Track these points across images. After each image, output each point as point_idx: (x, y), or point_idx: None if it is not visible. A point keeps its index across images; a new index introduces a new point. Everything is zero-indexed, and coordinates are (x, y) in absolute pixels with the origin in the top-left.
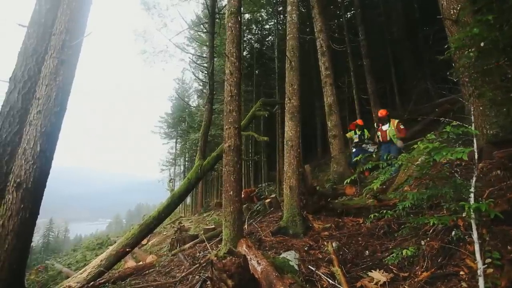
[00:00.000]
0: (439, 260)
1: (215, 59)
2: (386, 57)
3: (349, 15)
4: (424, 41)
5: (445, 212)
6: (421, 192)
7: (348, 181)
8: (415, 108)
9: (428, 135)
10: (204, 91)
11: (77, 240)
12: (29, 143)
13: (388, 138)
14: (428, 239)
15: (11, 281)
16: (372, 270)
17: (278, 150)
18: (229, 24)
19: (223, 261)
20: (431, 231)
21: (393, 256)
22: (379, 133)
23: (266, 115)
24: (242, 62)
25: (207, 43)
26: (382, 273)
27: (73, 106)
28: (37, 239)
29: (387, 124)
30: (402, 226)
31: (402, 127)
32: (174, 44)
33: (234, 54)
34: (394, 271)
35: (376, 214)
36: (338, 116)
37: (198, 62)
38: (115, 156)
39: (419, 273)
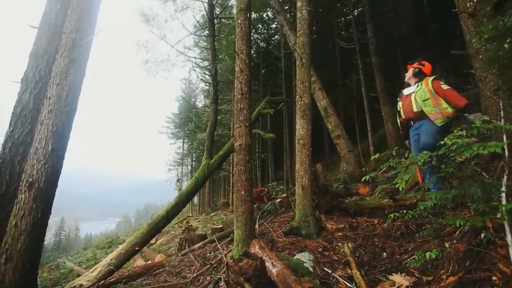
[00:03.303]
0: (466, 264)
1: (219, 56)
2: (395, 55)
3: (356, 13)
4: (434, 37)
5: (472, 212)
6: (446, 191)
7: (367, 179)
8: None
9: (455, 131)
10: (211, 90)
11: (87, 239)
12: (41, 142)
13: (415, 111)
14: (454, 241)
15: (24, 281)
16: (393, 273)
17: (285, 150)
18: (239, 21)
19: (240, 263)
20: (457, 232)
21: (414, 259)
22: (400, 104)
23: (272, 113)
24: None
25: (209, 46)
26: (404, 276)
27: (80, 106)
28: (49, 238)
29: (415, 85)
30: (423, 227)
31: (445, 86)
32: (177, 50)
33: (244, 51)
34: (416, 275)
35: (397, 214)
36: (337, 117)
37: (202, 65)
38: (123, 156)
39: (445, 277)
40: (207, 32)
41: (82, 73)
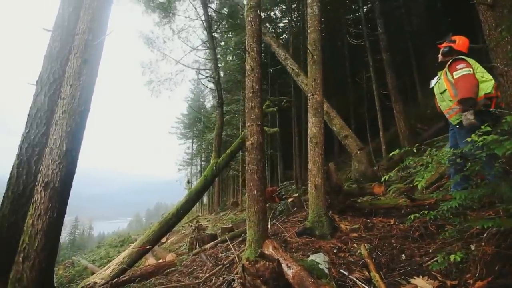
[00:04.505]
0: (496, 268)
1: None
2: (406, 51)
3: (365, 9)
4: (447, 32)
5: (501, 213)
6: (471, 191)
7: (386, 179)
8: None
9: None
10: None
11: (100, 238)
12: (56, 142)
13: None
14: (482, 243)
15: (41, 279)
16: (414, 277)
17: (294, 149)
18: (249, 19)
19: (256, 265)
20: (485, 234)
21: (437, 261)
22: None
23: (275, 110)
24: None
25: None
26: (427, 280)
27: (93, 107)
28: (64, 236)
29: (438, 75)
30: (445, 229)
31: (462, 71)
32: (182, 64)
33: (255, 49)
34: (440, 278)
35: (417, 215)
36: (340, 118)
37: (205, 73)
38: (134, 157)
39: (471, 281)
40: (207, 45)
41: (95, 74)
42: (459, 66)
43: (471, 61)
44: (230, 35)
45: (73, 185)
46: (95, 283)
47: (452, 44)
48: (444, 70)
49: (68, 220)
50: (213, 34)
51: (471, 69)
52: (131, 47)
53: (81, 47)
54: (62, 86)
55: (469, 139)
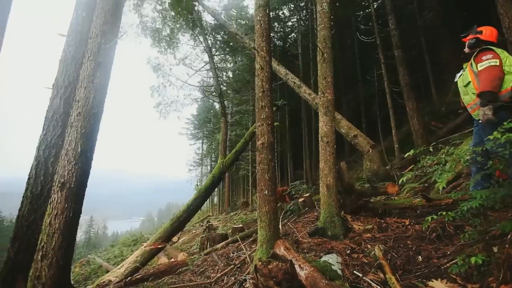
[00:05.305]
0: None
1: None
2: (419, 46)
3: (376, 5)
4: (462, 25)
5: None
6: (493, 190)
7: (404, 180)
8: (454, 99)
9: (505, 123)
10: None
11: (114, 237)
12: (71, 144)
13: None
14: (506, 245)
15: (59, 277)
16: (432, 279)
17: (304, 149)
18: (258, 18)
19: (269, 266)
20: (509, 236)
21: (457, 264)
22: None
23: (274, 109)
24: None
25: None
26: (446, 283)
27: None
28: (80, 235)
29: (463, 67)
30: (464, 230)
31: (487, 63)
32: (188, 84)
33: (264, 48)
34: (459, 282)
35: (434, 216)
36: (346, 120)
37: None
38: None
39: (495, 285)
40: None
41: (108, 76)
42: (485, 57)
43: (500, 51)
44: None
45: (87, 186)
46: (109, 281)
47: (478, 36)
48: (470, 61)
49: (83, 219)
50: (213, 57)
51: (497, 61)
52: (139, 48)
53: (94, 50)
54: (76, 89)
55: (491, 136)
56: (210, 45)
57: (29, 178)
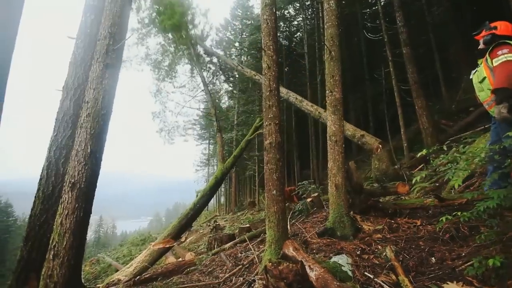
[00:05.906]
0: None
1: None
2: (428, 43)
3: (383, 2)
4: (473, 21)
5: None
6: (511, 190)
7: (418, 180)
8: (465, 97)
9: None
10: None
11: (123, 236)
12: (81, 145)
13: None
14: None
15: (70, 276)
16: (447, 282)
17: (311, 149)
18: (264, 17)
19: (279, 267)
20: None
21: (473, 266)
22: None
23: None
24: None
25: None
26: (461, 285)
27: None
28: (89, 234)
29: (478, 63)
30: (480, 230)
31: (503, 57)
32: (189, 107)
33: (271, 47)
34: (475, 284)
35: (449, 217)
36: (353, 117)
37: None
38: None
39: None
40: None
41: (116, 77)
42: (500, 52)
43: None
44: (244, 36)
45: (97, 186)
46: (119, 280)
47: (494, 31)
48: (485, 56)
49: (93, 219)
50: (207, 86)
51: None
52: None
53: (102, 52)
54: (85, 90)
55: (511, 133)
56: (206, 76)
57: (40, 179)
